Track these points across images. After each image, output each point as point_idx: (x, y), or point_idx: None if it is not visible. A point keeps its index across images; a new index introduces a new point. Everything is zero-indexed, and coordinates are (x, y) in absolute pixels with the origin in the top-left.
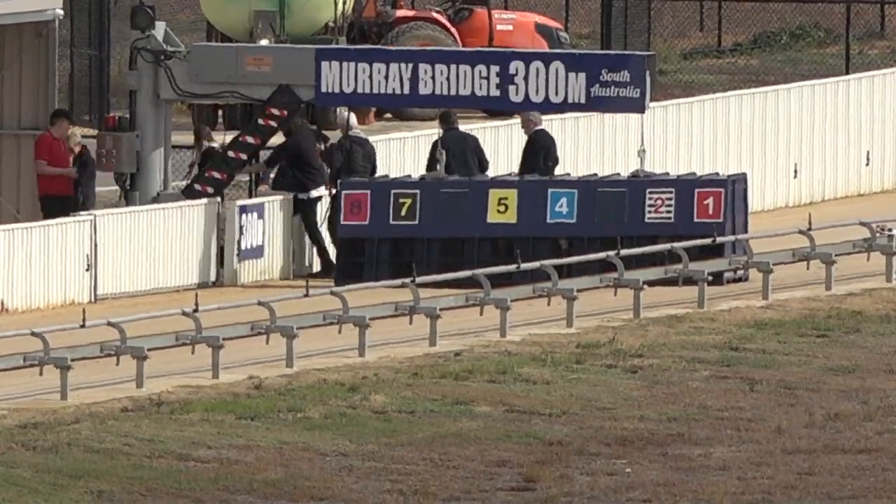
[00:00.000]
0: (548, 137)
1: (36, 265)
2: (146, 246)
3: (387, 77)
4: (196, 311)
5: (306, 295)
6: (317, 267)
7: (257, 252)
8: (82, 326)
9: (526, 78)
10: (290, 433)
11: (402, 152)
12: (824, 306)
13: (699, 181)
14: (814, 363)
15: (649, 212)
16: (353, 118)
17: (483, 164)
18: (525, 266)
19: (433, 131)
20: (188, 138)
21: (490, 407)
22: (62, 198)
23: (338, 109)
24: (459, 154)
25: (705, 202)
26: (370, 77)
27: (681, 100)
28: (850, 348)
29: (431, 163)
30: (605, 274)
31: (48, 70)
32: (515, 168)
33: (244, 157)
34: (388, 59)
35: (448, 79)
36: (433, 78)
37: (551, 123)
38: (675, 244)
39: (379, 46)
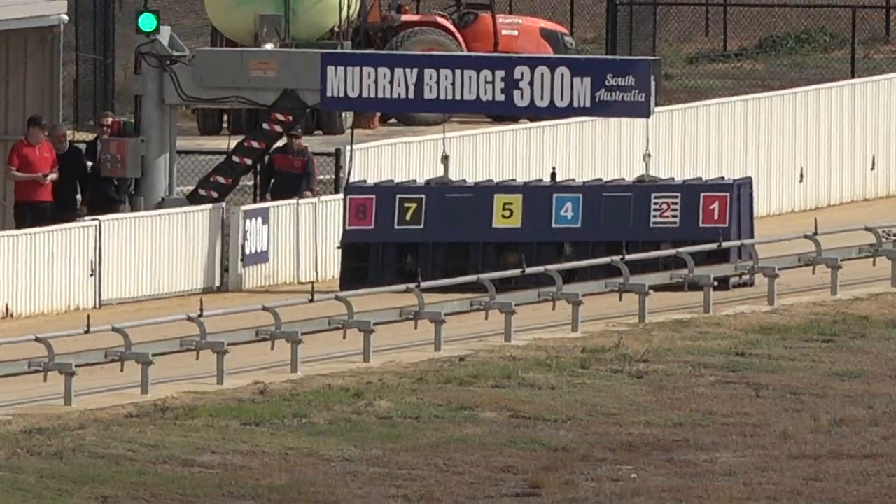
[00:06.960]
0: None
1: (40, 271)
2: (151, 251)
3: (392, 82)
4: (201, 316)
5: (311, 300)
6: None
7: (262, 257)
8: (87, 332)
9: (531, 83)
10: (295, 439)
11: (408, 157)
12: (830, 311)
13: (705, 186)
14: (819, 368)
15: (654, 216)
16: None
17: None
18: (530, 270)
19: (438, 136)
20: (193, 143)
21: (495, 412)
22: (33, 204)
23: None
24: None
25: (711, 207)
26: (375, 82)
27: (686, 104)
28: (855, 353)
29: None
30: (610, 279)
31: (53, 75)
32: (520, 173)
33: (249, 161)
34: (394, 63)
35: (453, 84)
36: (438, 83)
37: (556, 128)
38: (681, 249)
39: (384, 51)
